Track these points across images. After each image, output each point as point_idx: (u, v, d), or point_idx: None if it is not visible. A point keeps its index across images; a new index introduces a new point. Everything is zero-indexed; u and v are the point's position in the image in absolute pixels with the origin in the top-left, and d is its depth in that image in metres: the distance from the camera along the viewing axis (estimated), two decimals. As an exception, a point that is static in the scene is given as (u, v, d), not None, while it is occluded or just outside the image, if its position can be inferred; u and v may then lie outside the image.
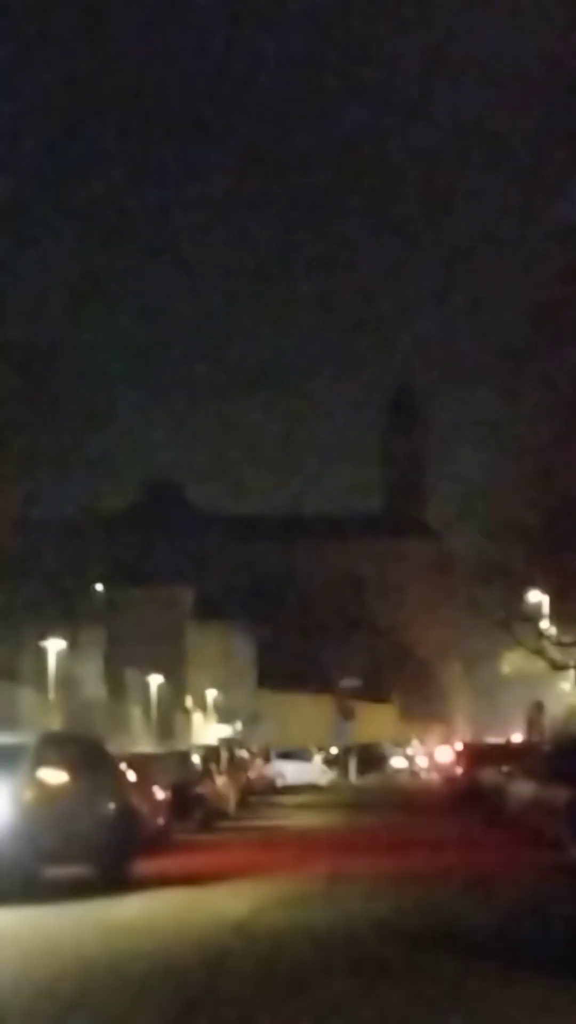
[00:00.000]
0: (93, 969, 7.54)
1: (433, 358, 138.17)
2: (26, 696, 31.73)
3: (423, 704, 75.20)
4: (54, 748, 13.73)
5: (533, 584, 28.74)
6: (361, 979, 6.89)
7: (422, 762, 55.62)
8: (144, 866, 13.94)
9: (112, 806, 13.95)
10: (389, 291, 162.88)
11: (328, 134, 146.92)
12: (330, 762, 49.54)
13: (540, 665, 32.40)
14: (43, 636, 32.79)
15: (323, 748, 50.88)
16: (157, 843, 16.60)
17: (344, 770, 49.95)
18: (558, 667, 31.08)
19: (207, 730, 48.31)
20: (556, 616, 29.48)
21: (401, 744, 64.37)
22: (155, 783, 18.82)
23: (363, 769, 53.47)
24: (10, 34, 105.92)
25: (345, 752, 52.72)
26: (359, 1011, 5.86)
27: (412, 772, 56.54)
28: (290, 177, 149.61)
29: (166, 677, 45.99)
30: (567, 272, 24.45)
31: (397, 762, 59.71)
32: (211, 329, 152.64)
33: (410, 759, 60.06)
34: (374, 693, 65.69)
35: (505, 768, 22.49)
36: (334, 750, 52.60)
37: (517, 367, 24.29)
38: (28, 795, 12.13)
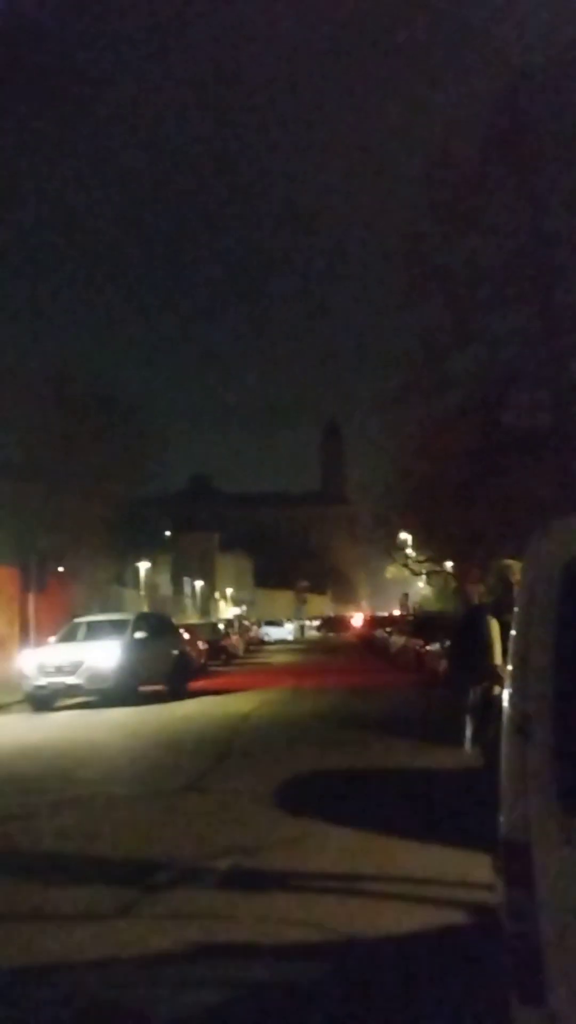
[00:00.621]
0: (169, 737, 14.77)
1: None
2: (128, 594, 50.71)
3: (344, 594, 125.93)
4: (144, 621, 23.02)
5: (403, 528, 46.54)
6: (307, 741, 13.55)
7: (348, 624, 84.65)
8: (193, 685, 23.22)
9: (175, 652, 23.04)
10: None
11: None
12: (295, 627, 78.15)
13: (406, 573, 53.17)
14: (138, 560, 53.90)
15: (290, 619, 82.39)
16: (200, 673, 27.22)
17: (301, 631, 78.00)
18: (416, 574, 52.57)
19: (227, 611, 75.31)
20: (415, 546, 48.88)
21: (333, 615, 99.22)
22: (199, 640, 31.16)
23: (311, 629, 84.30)
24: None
25: (300, 621, 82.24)
26: (304, 754, 12.19)
27: (341, 629, 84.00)
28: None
29: (204, 582, 76.17)
30: None
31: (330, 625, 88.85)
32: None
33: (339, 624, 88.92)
34: (316, 589, 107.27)
35: (388, 629, 39.48)
36: (296, 621, 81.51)
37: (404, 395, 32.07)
38: (130, 647, 20.44)
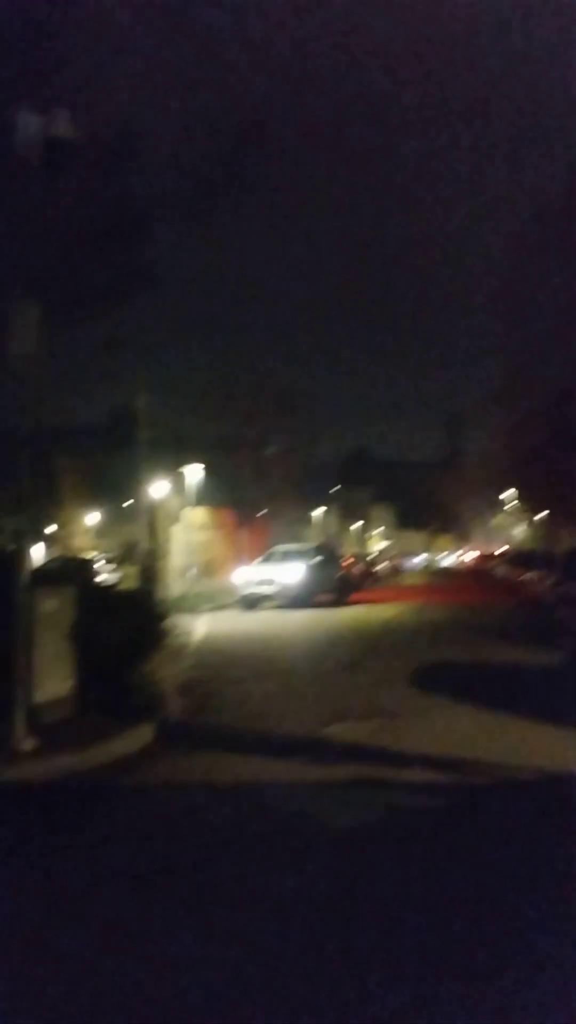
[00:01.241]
0: (335, 632, 14.91)
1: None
2: (307, 532, 48.31)
3: (465, 537, 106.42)
4: (318, 551, 23.20)
5: (508, 487, 43.99)
6: (433, 639, 13.18)
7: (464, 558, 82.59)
8: (352, 597, 23.15)
9: (340, 573, 23.49)
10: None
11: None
12: (426, 558, 77.74)
13: (509, 522, 53.40)
14: (315, 507, 53.13)
15: (423, 552, 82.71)
16: (357, 588, 26.43)
17: (432, 561, 76.98)
18: (514, 522, 50.27)
19: (376, 545, 72.70)
20: (519, 500, 45.01)
21: (457, 551, 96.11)
22: (356, 565, 30.88)
23: (438, 561, 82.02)
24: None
25: (432, 555, 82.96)
26: (432, 649, 11.82)
27: (460, 562, 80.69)
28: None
29: (361, 523, 72.79)
30: None
31: (454, 559, 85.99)
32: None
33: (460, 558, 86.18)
34: (442, 531, 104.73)
35: (494, 562, 40.34)
36: (428, 554, 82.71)
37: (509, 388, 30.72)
38: (308, 568, 20.69)
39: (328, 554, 23.53)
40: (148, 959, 2.86)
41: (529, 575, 23.71)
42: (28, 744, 5.43)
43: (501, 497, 48.14)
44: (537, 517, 43.80)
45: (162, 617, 8.25)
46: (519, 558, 29.91)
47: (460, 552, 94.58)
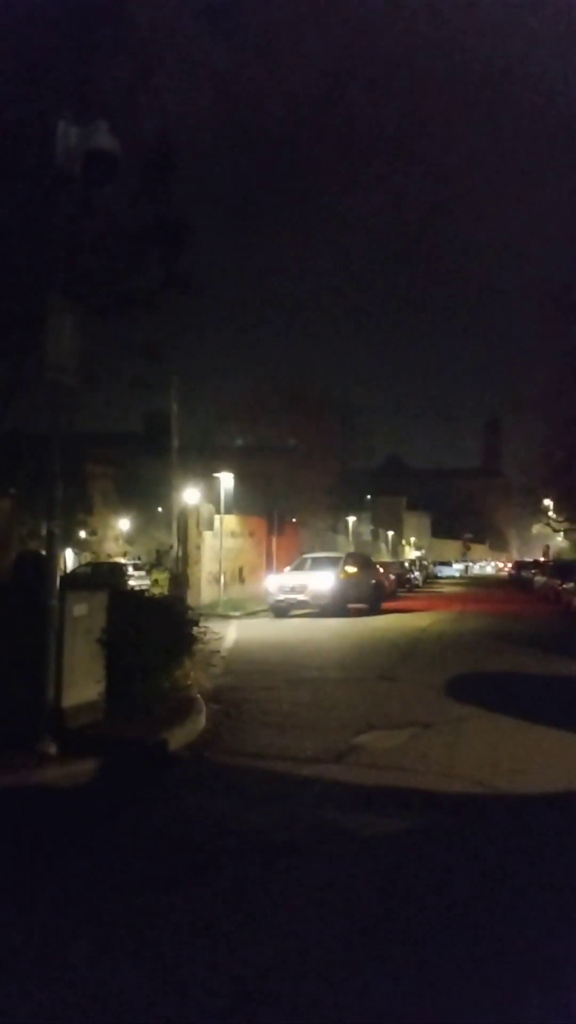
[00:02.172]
0: (368, 641, 14.79)
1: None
2: (340, 539, 49.85)
3: (500, 546, 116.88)
4: (351, 558, 22.79)
5: (546, 496, 43.70)
6: (469, 649, 13.44)
7: (500, 567, 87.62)
8: (385, 605, 23.09)
9: (373, 581, 22.81)
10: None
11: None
12: (461, 567, 76.65)
13: (548, 530, 49.93)
14: (348, 515, 52.08)
15: (457, 561, 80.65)
16: (390, 596, 26.71)
17: (466, 570, 76.91)
18: (556, 531, 48.73)
19: (410, 553, 70.27)
20: (555, 510, 45.24)
21: (491, 560, 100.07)
22: (390, 573, 30.43)
23: (473, 569, 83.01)
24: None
25: (466, 563, 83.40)
26: (467, 658, 12.05)
27: (496, 570, 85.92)
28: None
29: (394, 532, 73.88)
30: None
31: (489, 567, 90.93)
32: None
33: (496, 566, 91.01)
34: (477, 540, 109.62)
35: (533, 571, 37.19)
36: (462, 562, 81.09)
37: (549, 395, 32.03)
38: (341, 576, 20.58)
39: (361, 562, 23.39)
40: (172, 965, 2.90)
41: (569, 585, 23.35)
42: (55, 748, 5.52)
43: (539, 505, 47.54)
44: None
45: (193, 623, 8.33)
46: (558, 567, 29.48)
47: (496, 561, 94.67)
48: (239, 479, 27.75)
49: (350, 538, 53.25)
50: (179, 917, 3.26)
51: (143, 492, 40.12)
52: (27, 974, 2.83)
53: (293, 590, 20.22)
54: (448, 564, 73.12)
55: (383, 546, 67.67)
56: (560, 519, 46.92)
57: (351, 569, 21.31)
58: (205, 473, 26.05)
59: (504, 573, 70.42)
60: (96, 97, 8.65)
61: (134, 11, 9.67)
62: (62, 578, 6.40)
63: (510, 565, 69.60)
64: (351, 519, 54.34)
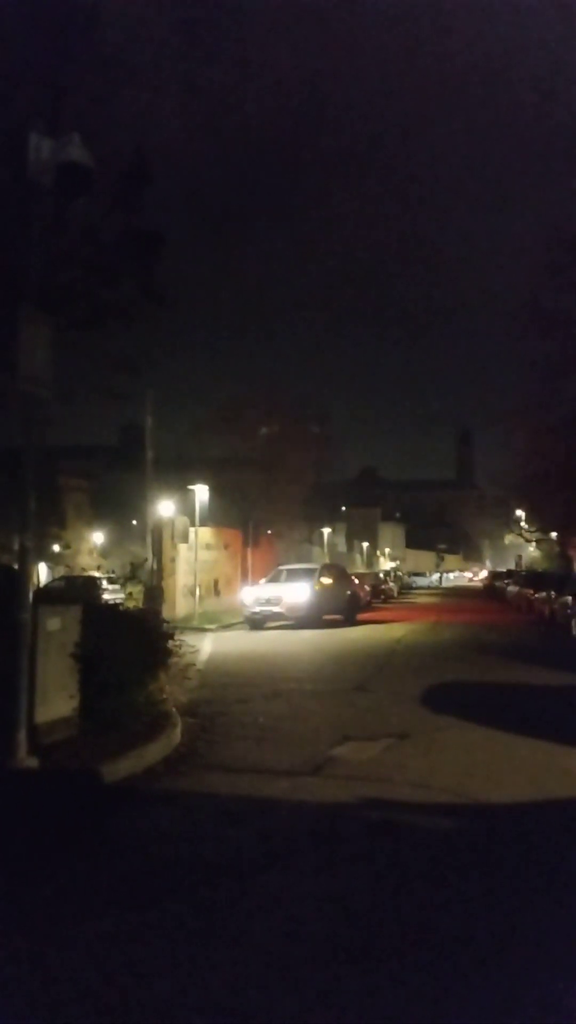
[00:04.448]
0: (344, 652, 14.91)
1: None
2: (315, 550, 50.75)
3: (473, 556, 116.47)
4: (327, 569, 23.06)
5: (518, 507, 44.79)
6: (444, 659, 13.50)
7: (473, 577, 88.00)
8: (360, 616, 23.07)
9: (349, 592, 22.73)
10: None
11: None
12: (435, 578, 75.97)
13: (520, 540, 51.09)
14: (322, 526, 52.44)
15: (430, 572, 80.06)
16: (366, 607, 26.69)
17: (440, 581, 75.67)
18: (528, 541, 49.82)
19: (385, 564, 70.22)
20: (527, 520, 46.18)
21: (464, 570, 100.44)
22: (365, 584, 30.16)
23: (447, 580, 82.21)
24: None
25: (440, 573, 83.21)
26: (443, 668, 12.04)
27: (469, 580, 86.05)
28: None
29: (369, 543, 73.87)
30: None
31: (462, 577, 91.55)
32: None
33: (468, 577, 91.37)
34: (451, 551, 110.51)
35: (506, 581, 37.60)
36: (435, 573, 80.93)
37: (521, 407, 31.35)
38: (316, 587, 20.54)
39: (336, 573, 23.43)
40: (147, 985, 2.87)
41: (540, 594, 23.61)
42: (29, 763, 5.45)
43: (512, 516, 48.24)
44: (550, 536, 43.85)
45: (168, 637, 8.29)
46: (531, 577, 29.82)
47: (470, 571, 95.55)
48: (214, 491, 27.69)
49: (325, 549, 53.36)
50: (153, 935, 3.23)
51: (117, 505, 39.95)
52: None
53: (268, 602, 20.20)
54: (423, 575, 73.42)
55: (358, 557, 68.03)
56: (532, 529, 47.53)
57: (326, 580, 21.33)
58: (180, 485, 25.98)
59: (475, 583, 71.63)
60: (69, 109, 8.66)
61: (107, 23, 9.71)
62: (35, 592, 6.34)
63: (481, 574, 70.50)
64: (326, 530, 54.44)
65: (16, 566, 6.22)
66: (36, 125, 5.81)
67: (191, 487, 25.52)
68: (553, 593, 21.38)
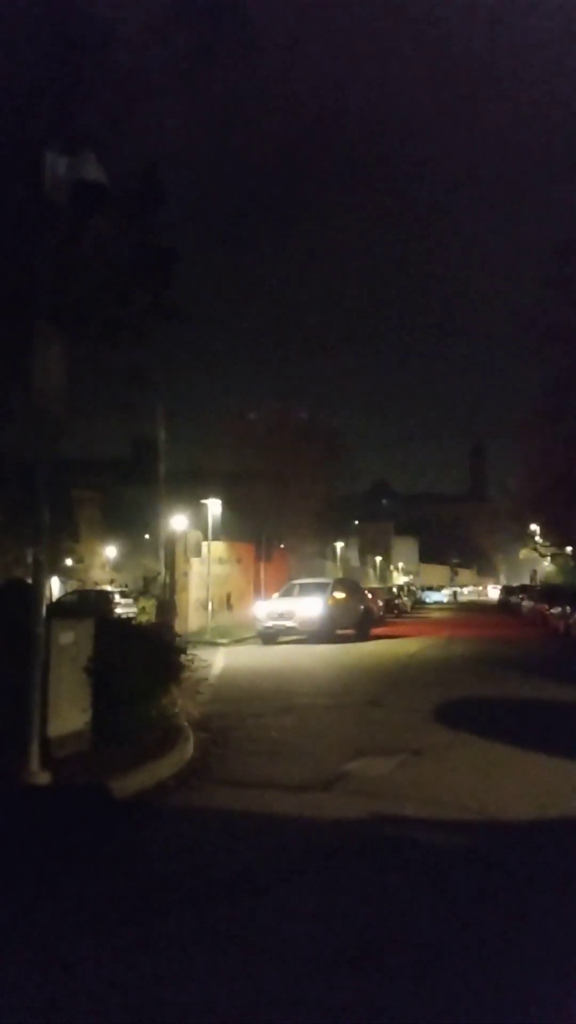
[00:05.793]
0: (357, 667, 14.90)
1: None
2: (328, 565, 50.71)
3: (487, 570, 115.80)
4: (340, 584, 23.17)
5: (533, 521, 44.06)
6: (458, 674, 13.54)
7: (488, 592, 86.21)
8: (374, 631, 22.95)
9: (362, 607, 22.76)
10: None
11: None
12: (449, 592, 75.49)
13: (535, 554, 50.88)
14: (336, 540, 52.77)
15: (444, 587, 79.08)
16: (379, 622, 26.34)
17: (454, 596, 74.73)
18: (543, 555, 49.65)
19: (398, 579, 72.42)
20: (542, 535, 45.86)
21: (478, 585, 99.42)
22: (378, 599, 30.50)
23: (461, 595, 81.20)
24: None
25: (454, 589, 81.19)
26: (456, 683, 12.12)
27: (477, 595, 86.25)
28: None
29: (382, 557, 74.81)
30: None
31: (474, 592, 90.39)
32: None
33: (480, 591, 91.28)
34: (465, 565, 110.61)
35: (520, 596, 37.31)
36: (449, 588, 79.71)
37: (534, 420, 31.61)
38: (329, 602, 20.59)
39: (349, 588, 23.41)
40: (158, 1000, 2.86)
41: (555, 609, 23.46)
42: (41, 778, 5.46)
43: (526, 531, 47.93)
44: (565, 550, 43.56)
45: (180, 651, 8.31)
46: (546, 592, 29.64)
47: (484, 586, 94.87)
48: (226, 505, 27.77)
49: (338, 564, 53.27)
50: (163, 949, 3.22)
51: (130, 519, 40.09)
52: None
53: (281, 616, 20.19)
54: (437, 589, 72.92)
55: (371, 571, 67.79)
56: (547, 544, 47.31)
57: (339, 595, 21.30)
58: (192, 499, 26.06)
59: (486, 598, 71.81)
60: (84, 127, 8.81)
61: (122, 42, 9.89)
62: (48, 606, 6.37)
63: (498, 589, 70.43)
64: (339, 545, 54.35)
65: (30, 580, 6.26)
66: (52, 143, 5.91)
67: (204, 501, 25.61)
68: (568, 608, 21.26)
